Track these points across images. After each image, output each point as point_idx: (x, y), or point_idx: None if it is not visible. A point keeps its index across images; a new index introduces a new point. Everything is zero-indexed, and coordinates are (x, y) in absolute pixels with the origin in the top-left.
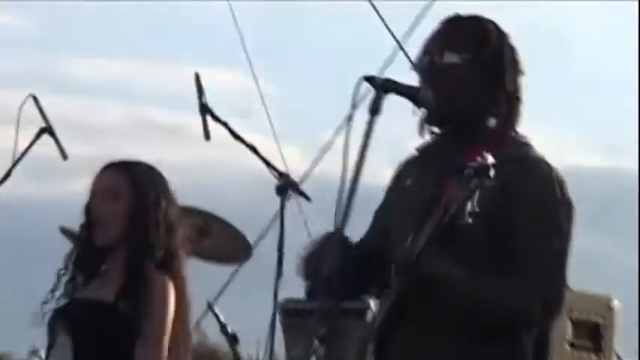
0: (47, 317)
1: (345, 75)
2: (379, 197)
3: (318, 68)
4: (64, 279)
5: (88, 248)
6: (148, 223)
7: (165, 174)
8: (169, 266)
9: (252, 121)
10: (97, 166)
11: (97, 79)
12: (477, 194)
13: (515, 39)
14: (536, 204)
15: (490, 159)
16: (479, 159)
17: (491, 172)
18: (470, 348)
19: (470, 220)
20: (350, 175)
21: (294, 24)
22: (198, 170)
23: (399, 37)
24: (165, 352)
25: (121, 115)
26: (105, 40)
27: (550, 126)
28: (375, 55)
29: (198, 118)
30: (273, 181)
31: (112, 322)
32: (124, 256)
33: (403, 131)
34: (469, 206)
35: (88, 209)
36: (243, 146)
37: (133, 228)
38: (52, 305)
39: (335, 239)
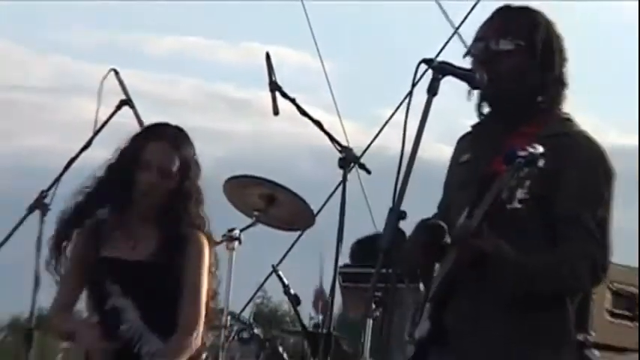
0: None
1: (400, 57)
2: (433, 171)
3: (375, 50)
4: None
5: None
6: (189, 194)
7: (234, 145)
8: (204, 229)
9: (309, 97)
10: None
11: (172, 55)
12: (526, 183)
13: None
14: (580, 176)
15: (540, 149)
16: (530, 149)
17: (541, 162)
18: (519, 314)
19: (519, 206)
20: (408, 149)
21: (356, 9)
22: (264, 142)
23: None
24: (204, 300)
25: (194, 89)
26: (179, 19)
27: (595, 107)
28: (429, 39)
29: (264, 94)
30: (335, 153)
31: (164, 279)
32: (160, 220)
33: (455, 109)
34: (519, 192)
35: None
36: (305, 120)
37: (175, 199)
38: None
39: (392, 214)
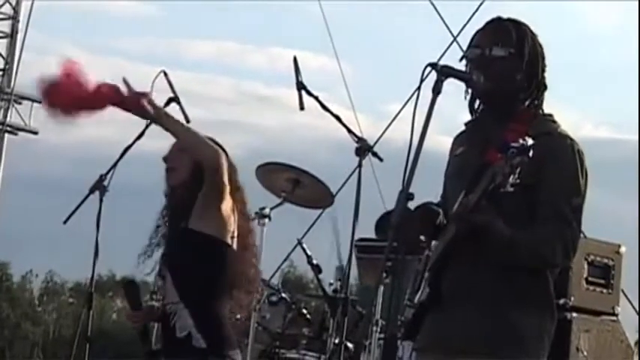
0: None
1: (405, 60)
2: (436, 159)
3: (384, 54)
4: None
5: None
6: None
7: (264, 135)
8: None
9: (327, 94)
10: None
11: (211, 58)
12: (518, 169)
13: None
14: (560, 170)
15: (530, 141)
16: (521, 141)
17: (531, 153)
18: (507, 281)
19: (511, 189)
20: (415, 140)
21: (368, 18)
22: (290, 133)
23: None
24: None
25: (230, 88)
26: (215, 28)
27: (572, 104)
28: (429, 44)
29: (289, 91)
30: (351, 143)
31: (186, 243)
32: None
33: (456, 107)
34: (511, 178)
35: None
36: (326, 114)
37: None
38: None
39: (402, 195)
